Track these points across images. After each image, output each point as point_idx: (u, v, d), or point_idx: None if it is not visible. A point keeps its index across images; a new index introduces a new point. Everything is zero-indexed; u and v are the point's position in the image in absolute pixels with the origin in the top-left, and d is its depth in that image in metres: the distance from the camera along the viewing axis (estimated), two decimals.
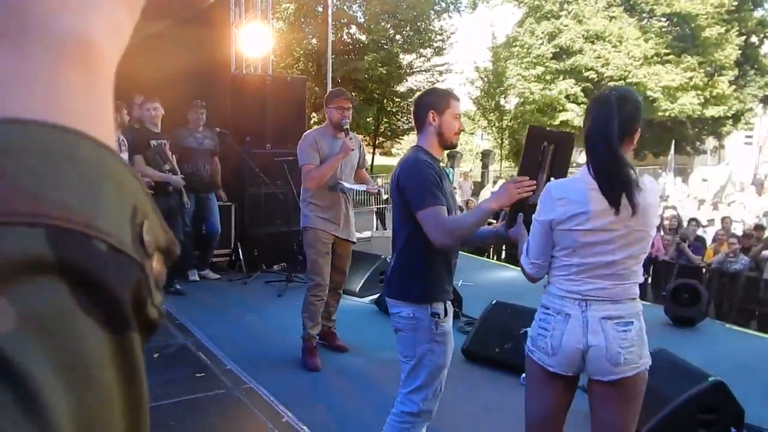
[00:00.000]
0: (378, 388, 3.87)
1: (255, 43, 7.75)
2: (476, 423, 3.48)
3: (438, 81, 26.53)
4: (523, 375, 3.91)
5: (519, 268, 9.01)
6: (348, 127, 4.09)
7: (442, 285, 2.43)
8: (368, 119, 24.41)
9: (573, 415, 3.46)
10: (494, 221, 2.74)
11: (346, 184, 4.13)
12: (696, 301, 5.17)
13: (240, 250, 6.88)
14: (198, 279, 6.44)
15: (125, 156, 5.25)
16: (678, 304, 5.23)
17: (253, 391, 3.76)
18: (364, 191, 4.48)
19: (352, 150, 4.07)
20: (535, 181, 2.16)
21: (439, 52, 25.61)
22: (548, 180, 2.16)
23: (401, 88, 26.35)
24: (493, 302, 4.57)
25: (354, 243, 4.39)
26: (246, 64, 8.07)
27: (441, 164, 2.51)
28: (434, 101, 2.43)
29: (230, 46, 7.86)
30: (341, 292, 4.51)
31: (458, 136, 2.48)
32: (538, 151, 2.17)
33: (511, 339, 4.17)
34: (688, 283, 5.30)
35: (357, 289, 5.87)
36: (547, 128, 2.05)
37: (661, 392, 3.14)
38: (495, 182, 18.98)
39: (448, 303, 2.48)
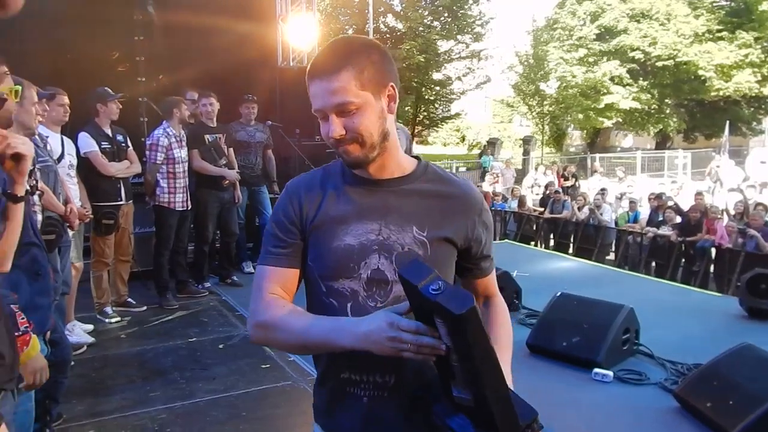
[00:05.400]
0: None
1: (301, 34, 7.73)
2: (544, 420, 3.39)
3: (476, 68, 26.20)
4: (596, 370, 3.83)
5: (573, 258, 8.71)
6: None
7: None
8: (406, 108, 24.25)
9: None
10: None
11: None
12: None
13: None
14: (253, 270, 6.44)
15: (184, 151, 5.30)
16: (755, 295, 5.01)
17: None
18: None
19: None
20: (439, 348, 1.06)
21: (477, 37, 25.24)
22: (460, 364, 1.06)
23: (439, 75, 26.08)
24: (558, 294, 4.46)
25: None
26: (292, 56, 8.06)
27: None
28: None
29: (276, 39, 7.87)
30: None
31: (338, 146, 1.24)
32: (426, 315, 1.07)
33: (578, 332, 4.06)
34: (765, 272, 5.06)
35: None
36: (428, 286, 1.01)
37: (751, 391, 3.00)
38: (536, 168, 18.66)
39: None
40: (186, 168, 5.34)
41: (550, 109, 26.95)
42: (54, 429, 3.04)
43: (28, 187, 1.72)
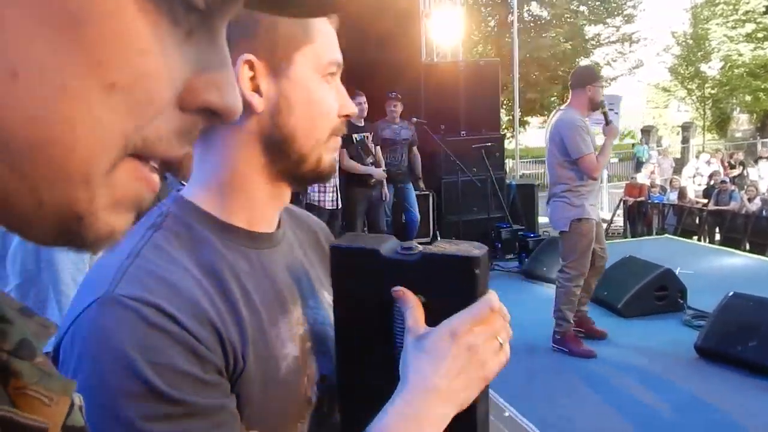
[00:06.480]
0: (605, 390, 3.64)
1: (445, 30, 7.73)
2: (720, 430, 3.12)
3: (628, 52, 24.64)
4: None
5: (743, 253, 7.83)
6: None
7: None
8: (552, 98, 23.39)
9: None
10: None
11: None
12: None
13: (438, 237, 6.94)
14: None
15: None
16: None
17: None
18: None
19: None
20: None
21: (629, 19, 23.70)
22: None
23: (586, 62, 24.86)
24: (730, 294, 4.06)
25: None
26: (436, 52, 8.09)
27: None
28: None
29: (420, 35, 7.93)
30: None
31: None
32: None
33: (756, 336, 3.68)
34: None
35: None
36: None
37: None
38: (698, 156, 17.16)
39: None
40: (336, 167, 5.55)
41: (713, 92, 24.69)
42: None
43: None
